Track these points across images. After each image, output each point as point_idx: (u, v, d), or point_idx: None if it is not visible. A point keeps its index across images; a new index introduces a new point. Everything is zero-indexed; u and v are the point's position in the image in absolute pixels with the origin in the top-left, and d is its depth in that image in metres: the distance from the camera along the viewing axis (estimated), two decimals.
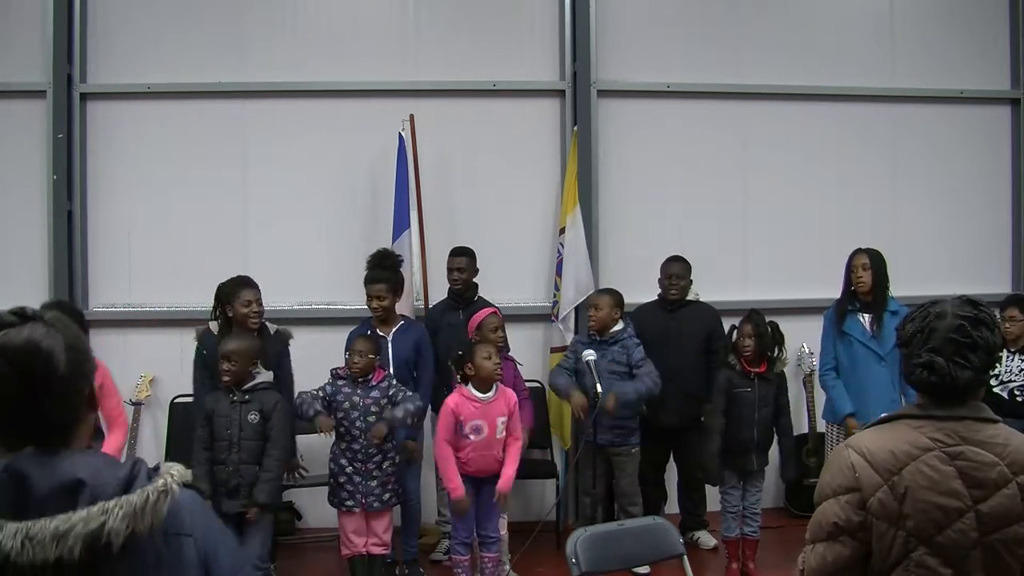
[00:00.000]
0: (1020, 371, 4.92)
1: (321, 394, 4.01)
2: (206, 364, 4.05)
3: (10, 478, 1.09)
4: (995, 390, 4.67)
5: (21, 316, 1.18)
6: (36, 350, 1.16)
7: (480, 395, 3.89)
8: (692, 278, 4.84)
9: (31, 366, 1.15)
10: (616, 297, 4.51)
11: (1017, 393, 4.94)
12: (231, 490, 3.73)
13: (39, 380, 1.15)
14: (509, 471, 3.94)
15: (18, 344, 1.15)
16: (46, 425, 1.17)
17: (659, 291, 4.87)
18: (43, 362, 1.16)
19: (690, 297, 4.87)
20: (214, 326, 4.15)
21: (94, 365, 1.26)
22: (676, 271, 4.79)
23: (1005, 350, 4.87)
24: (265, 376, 3.88)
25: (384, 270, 4.40)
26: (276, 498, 3.87)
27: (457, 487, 3.86)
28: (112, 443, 3.75)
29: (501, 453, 3.93)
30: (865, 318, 4.32)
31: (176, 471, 1.18)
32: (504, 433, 3.90)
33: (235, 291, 4.08)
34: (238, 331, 3.99)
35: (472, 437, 3.86)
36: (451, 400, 3.91)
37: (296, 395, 4.06)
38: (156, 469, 1.18)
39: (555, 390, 4.58)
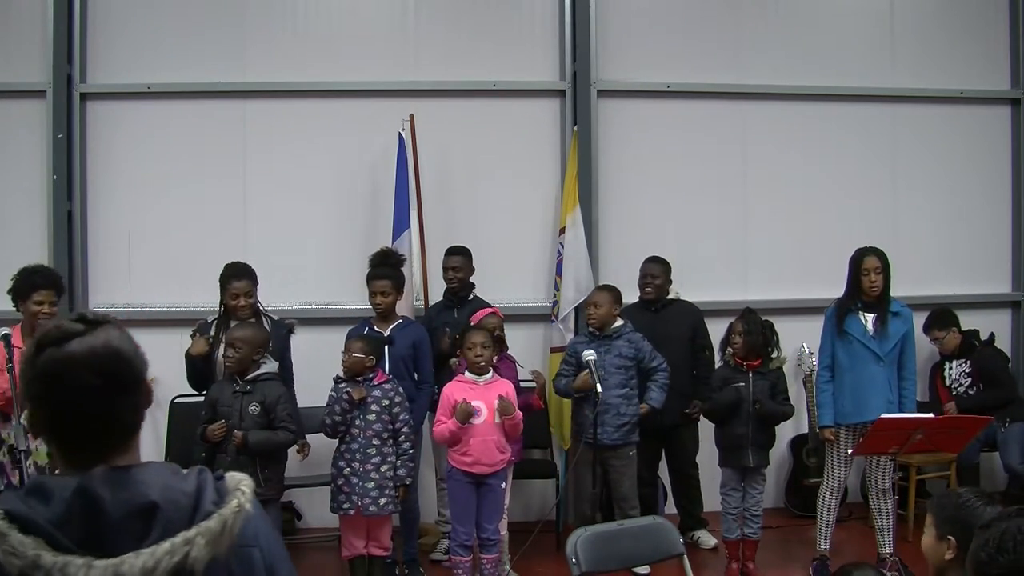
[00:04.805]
0: (963, 374, 5.33)
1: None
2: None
3: (83, 503, 1.06)
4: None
5: (87, 322, 1.18)
6: (118, 354, 1.17)
7: (476, 378, 4.00)
8: (674, 278, 4.92)
9: (116, 370, 1.16)
10: (615, 294, 4.52)
11: (964, 397, 5.26)
12: None
13: (121, 384, 1.17)
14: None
15: (99, 349, 1.15)
16: (121, 428, 1.17)
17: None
18: (126, 365, 1.17)
19: (671, 296, 4.92)
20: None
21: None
22: (651, 271, 4.85)
23: (947, 362, 5.36)
24: (269, 366, 3.89)
25: (388, 267, 4.44)
26: (261, 448, 3.74)
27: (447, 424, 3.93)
28: None
29: (501, 441, 3.96)
30: (867, 318, 4.27)
31: (246, 486, 1.18)
32: (501, 420, 3.96)
33: (225, 282, 4.13)
34: (246, 321, 4.03)
35: (472, 420, 3.91)
36: (449, 387, 4.02)
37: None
38: (221, 478, 1.17)
39: (563, 395, 4.60)
